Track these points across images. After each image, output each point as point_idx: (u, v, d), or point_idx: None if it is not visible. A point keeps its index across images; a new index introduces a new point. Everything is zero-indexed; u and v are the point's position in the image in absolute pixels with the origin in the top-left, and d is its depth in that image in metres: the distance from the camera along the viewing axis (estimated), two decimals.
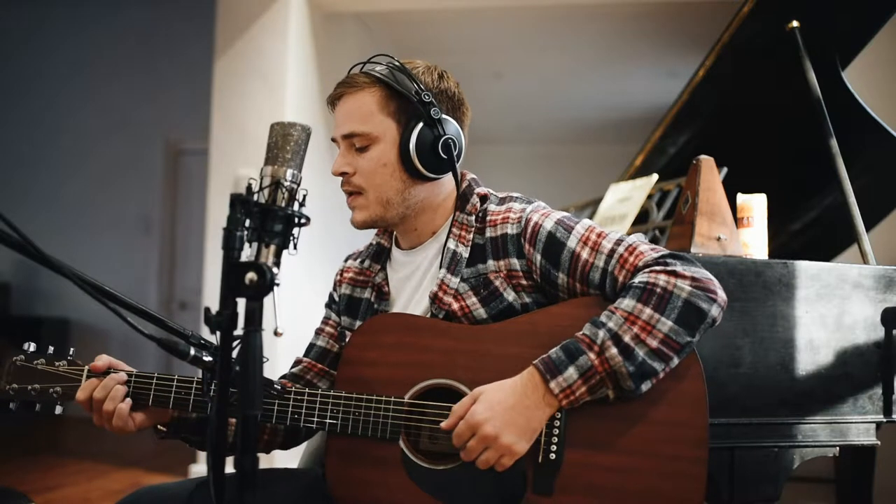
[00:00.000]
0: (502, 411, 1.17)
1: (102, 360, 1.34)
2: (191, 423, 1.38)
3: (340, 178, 1.36)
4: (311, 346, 1.51)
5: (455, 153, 1.32)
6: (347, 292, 1.48)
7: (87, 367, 1.34)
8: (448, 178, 1.37)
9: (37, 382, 1.33)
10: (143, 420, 1.33)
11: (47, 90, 6.29)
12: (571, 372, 1.17)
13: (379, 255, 1.46)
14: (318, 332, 1.52)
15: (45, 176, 6.24)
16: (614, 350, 1.16)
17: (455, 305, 1.32)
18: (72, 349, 1.37)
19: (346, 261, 1.54)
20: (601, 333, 1.17)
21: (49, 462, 4.48)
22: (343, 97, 1.34)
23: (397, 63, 1.33)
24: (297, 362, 1.50)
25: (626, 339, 1.16)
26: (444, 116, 1.32)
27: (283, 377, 1.47)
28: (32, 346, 1.36)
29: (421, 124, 1.30)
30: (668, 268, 1.19)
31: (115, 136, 6.17)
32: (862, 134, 2.21)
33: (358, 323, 1.44)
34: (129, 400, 1.30)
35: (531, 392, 1.18)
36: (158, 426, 1.36)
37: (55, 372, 1.34)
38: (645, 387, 1.18)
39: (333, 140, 1.37)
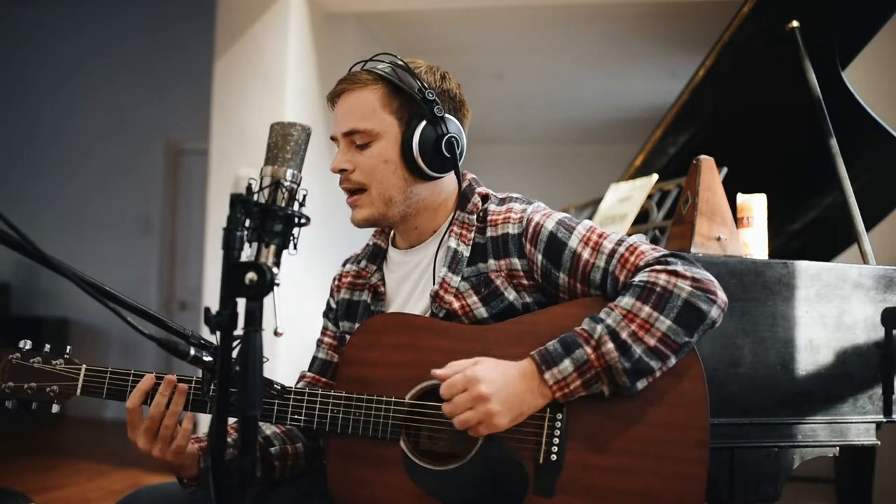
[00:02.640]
0: (501, 381, 1.17)
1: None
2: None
3: (339, 177, 1.35)
4: (314, 359, 1.50)
5: (458, 152, 1.32)
6: (346, 297, 1.48)
7: (84, 366, 1.32)
8: (449, 178, 1.37)
9: (33, 381, 1.31)
10: (185, 457, 1.27)
11: (47, 90, 6.29)
12: (567, 364, 1.17)
13: (375, 255, 1.46)
14: (319, 343, 1.51)
15: (45, 176, 6.24)
16: (611, 345, 1.16)
17: (456, 304, 1.32)
18: (69, 347, 1.35)
19: (343, 265, 1.53)
20: (599, 328, 1.17)
21: (49, 462, 4.47)
22: (344, 94, 1.34)
23: (400, 61, 1.33)
24: (302, 377, 1.49)
25: (624, 335, 1.16)
26: (446, 115, 1.32)
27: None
28: (28, 344, 1.34)
29: (424, 122, 1.30)
30: (669, 267, 1.19)
31: (115, 136, 6.17)
32: (862, 134, 2.21)
33: (357, 326, 1.43)
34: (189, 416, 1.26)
35: (527, 378, 1.18)
36: (185, 480, 1.30)
37: (52, 370, 1.32)
38: (640, 385, 1.18)
39: (333, 139, 1.36)
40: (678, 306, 1.17)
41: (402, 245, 1.43)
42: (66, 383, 1.32)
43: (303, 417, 1.28)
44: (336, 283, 1.51)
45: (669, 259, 1.21)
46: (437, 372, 1.19)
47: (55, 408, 1.32)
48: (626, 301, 1.18)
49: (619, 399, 1.20)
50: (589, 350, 1.17)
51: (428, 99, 1.30)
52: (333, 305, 1.50)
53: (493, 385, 1.16)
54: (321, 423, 1.28)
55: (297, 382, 1.48)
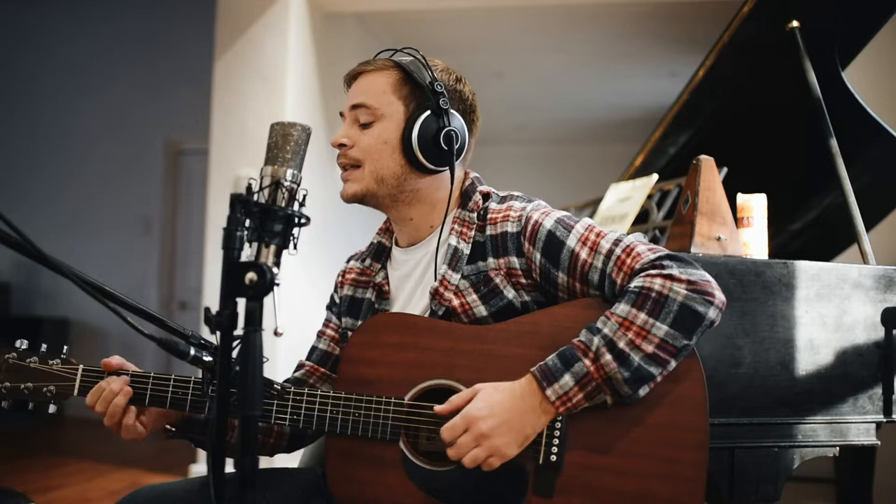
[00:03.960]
0: (500, 411, 1.17)
1: (115, 360, 1.33)
2: (199, 423, 1.38)
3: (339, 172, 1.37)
4: (313, 349, 1.51)
5: (456, 147, 1.33)
6: (349, 293, 1.48)
7: (81, 367, 1.33)
8: (446, 176, 1.37)
9: (29, 381, 1.31)
10: (152, 421, 1.33)
11: (47, 90, 6.29)
12: (567, 379, 1.17)
13: (380, 253, 1.47)
14: (320, 334, 1.52)
15: (45, 176, 6.24)
16: (609, 356, 1.16)
17: (455, 302, 1.32)
18: (65, 347, 1.35)
19: (347, 262, 1.54)
20: (596, 340, 1.17)
21: (49, 462, 4.48)
22: (361, 75, 1.38)
23: (420, 56, 1.36)
24: (300, 366, 1.50)
25: (621, 344, 1.16)
26: (451, 110, 1.34)
27: (287, 381, 1.47)
28: (25, 344, 1.34)
29: (428, 112, 1.32)
30: (665, 271, 1.19)
31: (115, 136, 6.17)
32: (862, 134, 2.21)
33: (359, 324, 1.43)
34: (132, 410, 1.29)
35: (528, 397, 1.18)
36: (166, 426, 1.36)
37: (48, 370, 1.32)
38: (643, 391, 1.18)
39: (341, 114, 1.39)
40: (674, 311, 1.16)
41: (402, 243, 1.43)
42: (63, 383, 1.32)
43: (302, 417, 1.28)
44: (340, 278, 1.52)
45: (665, 262, 1.21)
46: (438, 408, 1.21)
47: (52, 408, 1.32)
48: (622, 308, 1.18)
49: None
50: (588, 362, 1.17)
51: (436, 91, 1.32)
52: (337, 300, 1.51)
53: (493, 419, 1.16)
54: (320, 422, 1.28)
55: (295, 371, 1.49)
